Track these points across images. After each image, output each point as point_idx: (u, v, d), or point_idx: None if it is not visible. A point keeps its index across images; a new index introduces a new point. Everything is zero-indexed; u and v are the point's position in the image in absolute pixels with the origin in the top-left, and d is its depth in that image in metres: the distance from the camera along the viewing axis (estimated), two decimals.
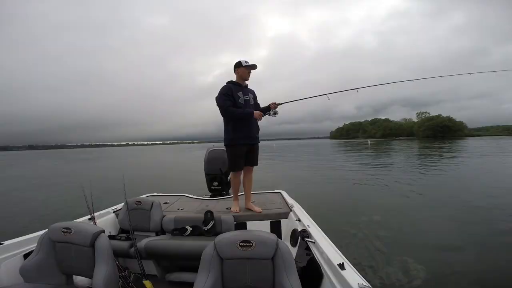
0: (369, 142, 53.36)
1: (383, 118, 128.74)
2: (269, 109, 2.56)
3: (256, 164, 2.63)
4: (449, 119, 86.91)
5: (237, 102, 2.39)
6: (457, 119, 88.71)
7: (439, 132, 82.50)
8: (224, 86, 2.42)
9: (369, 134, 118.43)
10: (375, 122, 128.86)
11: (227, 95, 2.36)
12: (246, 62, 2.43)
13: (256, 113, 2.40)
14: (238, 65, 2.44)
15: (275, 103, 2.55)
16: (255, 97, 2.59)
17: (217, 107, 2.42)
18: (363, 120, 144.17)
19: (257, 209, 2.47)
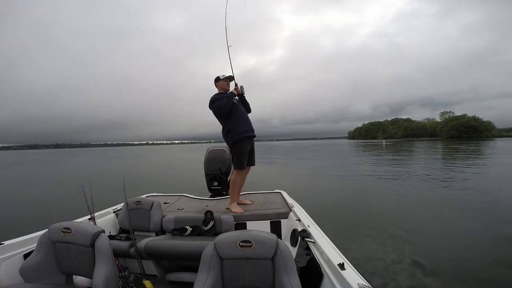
0: (384, 143, 51.15)
1: (404, 117, 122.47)
2: (239, 95, 2.70)
3: (254, 164, 2.78)
4: (475, 118, 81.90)
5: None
6: (484, 119, 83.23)
7: (464, 133, 78.58)
8: (215, 94, 2.62)
9: (389, 134, 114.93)
10: (395, 122, 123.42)
11: (220, 98, 2.53)
12: (223, 75, 2.68)
13: (234, 91, 2.60)
14: (217, 80, 2.69)
15: (235, 88, 2.68)
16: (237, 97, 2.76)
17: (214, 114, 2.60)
18: (382, 120, 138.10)
19: (247, 202, 2.71)
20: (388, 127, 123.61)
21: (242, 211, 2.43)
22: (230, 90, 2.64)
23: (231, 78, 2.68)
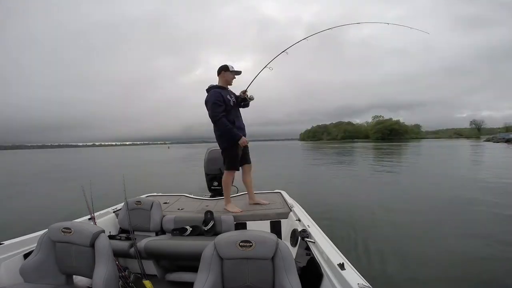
0: (300, 144, 54.85)
1: (346, 121, 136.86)
2: (245, 100, 2.61)
3: (250, 162, 2.72)
4: (397, 122, 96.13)
5: (228, 105, 2.43)
6: (417, 122, 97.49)
7: (387, 135, 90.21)
8: (215, 93, 2.39)
9: (332, 136, 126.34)
10: (338, 124, 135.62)
11: (221, 102, 2.36)
12: (232, 67, 2.43)
13: (243, 140, 2.45)
14: (225, 69, 2.43)
15: (243, 91, 2.60)
16: (236, 97, 2.62)
17: (200, 112, 2.56)
18: (329, 123, 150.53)
19: (264, 201, 2.63)
20: (331, 130, 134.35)
21: (240, 210, 2.43)
22: (243, 139, 2.46)
23: (240, 73, 2.51)
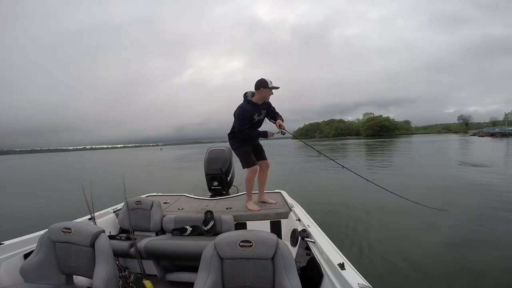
0: (293, 142, 56.50)
1: (337, 119, 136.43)
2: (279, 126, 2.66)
3: (266, 158, 2.82)
4: (387, 119, 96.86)
5: (252, 124, 2.52)
6: (409, 118, 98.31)
7: (378, 131, 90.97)
8: (243, 109, 2.44)
9: (324, 134, 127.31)
10: (330, 122, 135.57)
11: (246, 120, 2.44)
12: (271, 82, 2.38)
13: (269, 133, 2.62)
14: (264, 86, 2.38)
15: (281, 124, 2.63)
16: (267, 112, 2.65)
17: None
18: (320, 121, 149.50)
19: (271, 201, 2.72)
20: (324, 128, 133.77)
21: (258, 208, 2.47)
22: (269, 132, 2.62)
23: (277, 88, 2.46)
